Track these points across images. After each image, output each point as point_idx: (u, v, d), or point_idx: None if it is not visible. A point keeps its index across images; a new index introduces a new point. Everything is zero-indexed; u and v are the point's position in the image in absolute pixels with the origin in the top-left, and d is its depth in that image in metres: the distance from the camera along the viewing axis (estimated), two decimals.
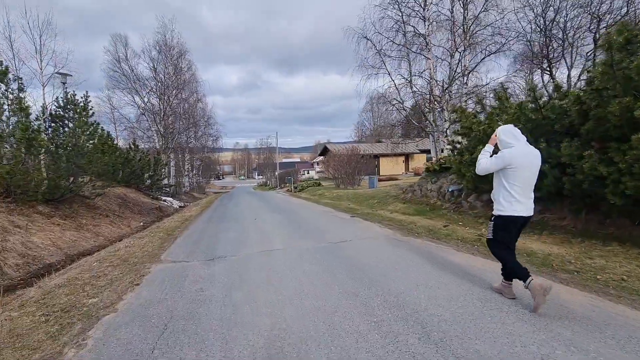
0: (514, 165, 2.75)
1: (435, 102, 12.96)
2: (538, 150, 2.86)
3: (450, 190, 7.82)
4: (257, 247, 5.76)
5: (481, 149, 3.12)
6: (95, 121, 11.06)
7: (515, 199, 2.78)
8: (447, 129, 12.67)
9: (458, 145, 7.66)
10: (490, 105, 7.22)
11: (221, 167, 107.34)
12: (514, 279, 2.94)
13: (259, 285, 3.66)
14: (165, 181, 24.47)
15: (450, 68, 12.79)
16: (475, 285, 3.31)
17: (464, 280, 3.47)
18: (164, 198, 19.68)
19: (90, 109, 10.82)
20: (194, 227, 8.71)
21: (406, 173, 35.67)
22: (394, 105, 14.92)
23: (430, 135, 14.15)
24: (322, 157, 54.10)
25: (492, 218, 2.97)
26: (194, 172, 40.05)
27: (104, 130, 12.46)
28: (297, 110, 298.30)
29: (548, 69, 14.36)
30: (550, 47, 14.18)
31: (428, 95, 13.36)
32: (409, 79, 14.00)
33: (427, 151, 37.45)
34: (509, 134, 2.89)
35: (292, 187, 25.85)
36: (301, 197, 19.09)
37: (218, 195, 29.46)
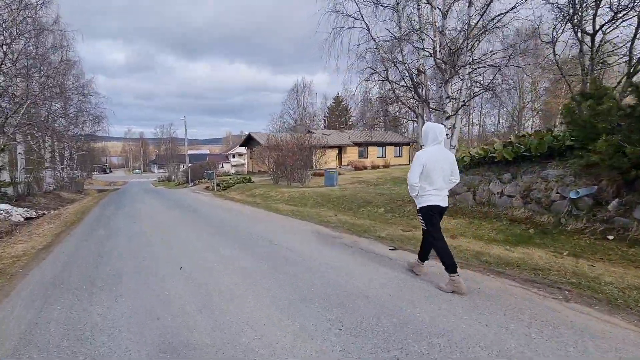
0: None
1: (441, 69, 9.63)
2: None
3: (576, 195, 4.33)
4: None
5: None
6: None
7: None
8: (458, 106, 9.49)
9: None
10: None
11: (108, 158, 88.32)
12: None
13: None
14: (6, 178, 15.59)
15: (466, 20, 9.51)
16: None
17: None
18: None
19: None
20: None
21: (340, 166, 32.94)
22: (375, 71, 11.12)
23: (429, 114, 10.82)
24: (244, 147, 47.66)
25: None
26: (66, 163, 29.33)
27: None
28: (201, 100, 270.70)
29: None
30: None
31: (431, 60, 9.95)
32: (398, 35, 10.37)
33: (362, 144, 35.59)
34: None
35: (214, 184, 19.90)
36: (236, 199, 13.78)
37: (102, 196, 21.13)
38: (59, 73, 21.08)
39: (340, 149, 35.46)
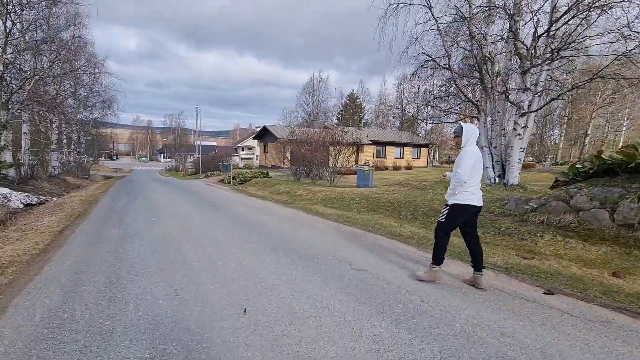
0: None
1: (522, 54, 8.04)
2: None
3: None
4: None
5: None
6: None
7: None
8: (546, 100, 7.94)
9: None
10: None
11: (116, 145, 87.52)
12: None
13: None
14: (8, 159, 14.26)
15: None
16: None
17: None
18: None
19: None
20: None
21: (357, 165, 31.38)
22: (432, 60, 9.59)
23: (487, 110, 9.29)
24: (254, 141, 46.22)
25: None
26: (73, 147, 28.13)
27: None
28: (210, 91, 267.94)
29: None
30: None
31: (510, 43, 8.36)
32: (467, 14, 8.80)
33: (379, 143, 33.75)
34: None
35: (230, 178, 18.46)
36: (260, 195, 12.30)
37: (109, 183, 19.80)
38: (70, 50, 19.72)
39: (358, 147, 33.89)
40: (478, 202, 3.22)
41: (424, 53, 10.19)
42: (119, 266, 3.78)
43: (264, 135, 34.16)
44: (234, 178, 18.43)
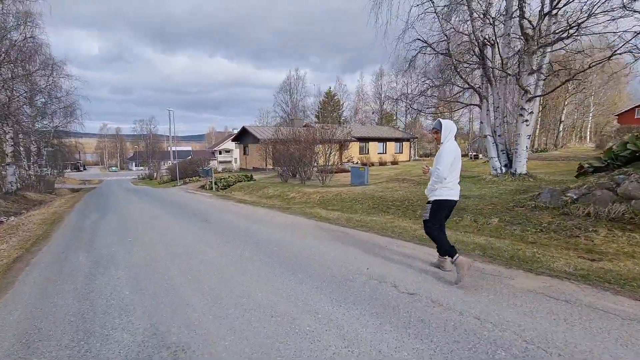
0: None
1: (528, 35, 7.52)
2: None
3: None
4: None
5: None
6: None
7: None
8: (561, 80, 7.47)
9: None
10: None
11: (82, 155, 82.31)
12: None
13: None
14: None
15: None
16: None
17: None
18: None
19: None
20: None
21: (342, 163, 30.74)
22: (429, 46, 8.97)
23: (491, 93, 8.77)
24: (232, 143, 44.50)
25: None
26: (33, 159, 25.60)
27: None
28: (180, 95, 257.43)
29: None
30: None
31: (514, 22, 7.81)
32: None
33: (362, 139, 33.15)
34: None
35: (212, 183, 17.17)
36: (249, 201, 11.24)
37: (77, 197, 17.94)
38: (22, 51, 17.67)
39: (341, 144, 33.27)
40: (456, 197, 3.28)
41: (420, 39, 9.56)
42: (88, 316, 2.76)
43: (243, 136, 32.76)
44: (216, 183, 17.18)
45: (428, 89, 10.72)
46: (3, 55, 14.88)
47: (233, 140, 38.07)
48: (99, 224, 7.42)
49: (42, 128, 25.29)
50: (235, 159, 55.26)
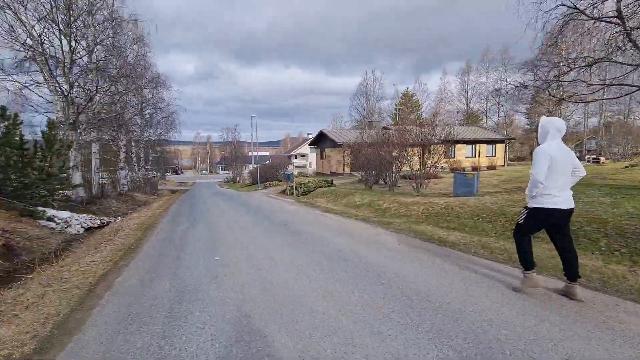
0: None
1: None
2: None
3: None
4: None
5: None
6: None
7: None
8: None
9: None
10: None
11: (180, 160, 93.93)
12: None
13: None
14: (77, 179, 14.04)
15: None
16: None
17: None
18: (51, 214, 9.60)
19: None
20: None
21: (436, 168, 27.90)
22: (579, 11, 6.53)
23: None
24: (307, 148, 44.99)
25: None
26: (142, 164, 29.11)
27: None
28: (259, 104, 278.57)
29: None
30: None
31: None
32: None
33: (448, 142, 29.37)
34: None
35: (293, 189, 16.65)
36: (337, 210, 10.04)
37: (173, 199, 19.34)
38: (134, 68, 19.93)
39: (424, 147, 30.28)
40: (565, 205, 2.87)
41: (564, 4, 7.15)
42: None
43: (320, 140, 32.36)
44: (296, 189, 16.60)
45: (571, 70, 8.06)
46: (118, 70, 16.73)
47: (310, 144, 38.09)
48: (187, 235, 6.99)
49: (149, 136, 28.55)
50: (310, 163, 55.95)
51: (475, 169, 24.36)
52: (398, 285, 3.41)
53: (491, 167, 24.69)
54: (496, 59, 45.77)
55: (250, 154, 50.70)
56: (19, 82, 13.62)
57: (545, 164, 2.83)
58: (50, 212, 9.73)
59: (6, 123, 9.38)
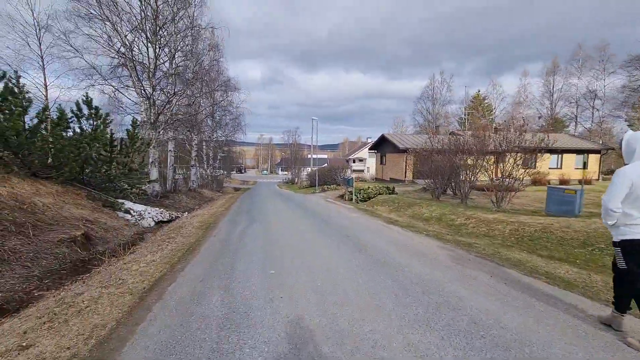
0: None
1: None
2: None
3: None
4: None
5: None
6: None
7: None
8: None
9: None
10: None
11: (244, 160, 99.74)
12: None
13: None
14: (154, 174, 15.26)
15: None
16: None
17: None
18: (128, 206, 10.34)
19: None
20: None
21: (493, 180, 24.84)
22: None
23: None
24: (367, 152, 43.94)
25: None
26: (210, 162, 31.14)
27: None
28: (318, 108, 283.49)
29: None
30: None
31: None
32: None
33: (526, 149, 25.61)
34: None
35: (352, 194, 15.95)
36: (403, 224, 9.03)
37: (235, 197, 20.10)
38: (208, 73, 21.26)
39: (498, 155, 27.08)
40: None
41: None
42: None
43: (380, 145, 31.13)
44: (355, 194, 15.86)
45: None
46: (195, 74, 17.92)
47: (370, 149, 36.97)
48: (244, 237, 6.74)
49: (218, 137, 30.41)
50: (368, 168, 54.63)
51: (563, 182, 20.90)
52: (515, 352, 2.47)
53: (587, 182, 20.92)
54: (591, 56, 39.33)
55: (309, 156, 51.39)
56: (113, 86, 15.26)
57: (621, 189, 2.51)
58: (127, 204, 10.48)
59: (97, 122, 10.34)
